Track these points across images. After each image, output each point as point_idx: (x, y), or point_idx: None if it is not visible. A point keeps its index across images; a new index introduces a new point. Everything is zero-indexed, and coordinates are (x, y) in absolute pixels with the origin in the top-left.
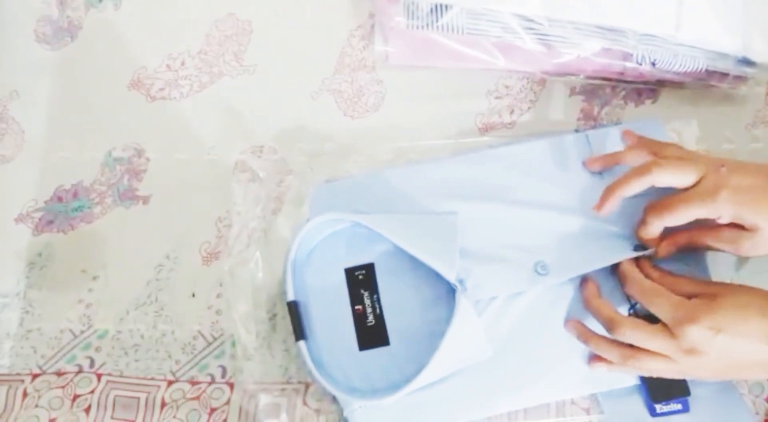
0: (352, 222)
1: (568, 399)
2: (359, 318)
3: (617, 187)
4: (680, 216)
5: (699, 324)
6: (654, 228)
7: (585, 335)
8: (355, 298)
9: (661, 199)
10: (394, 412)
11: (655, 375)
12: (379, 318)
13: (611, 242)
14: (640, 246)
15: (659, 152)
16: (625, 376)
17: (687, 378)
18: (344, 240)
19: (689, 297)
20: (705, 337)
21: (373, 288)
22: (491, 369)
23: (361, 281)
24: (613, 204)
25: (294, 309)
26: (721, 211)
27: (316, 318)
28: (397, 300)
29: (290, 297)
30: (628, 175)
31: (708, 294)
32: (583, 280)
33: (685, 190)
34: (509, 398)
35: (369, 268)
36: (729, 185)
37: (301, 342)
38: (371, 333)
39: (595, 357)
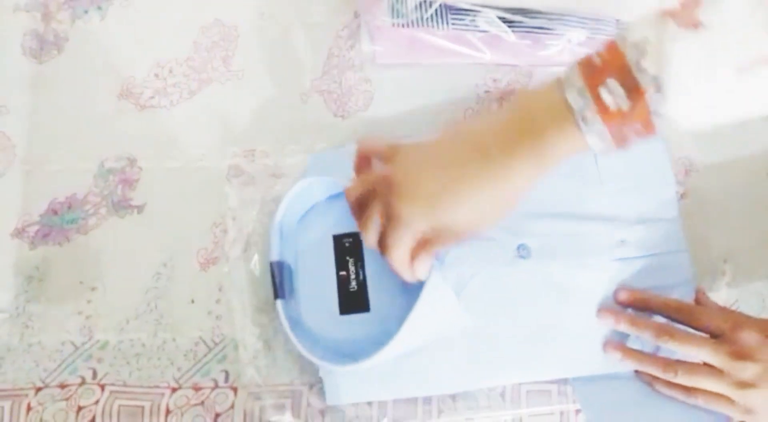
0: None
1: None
2: (342, 283)
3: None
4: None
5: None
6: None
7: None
8: (341, 264)
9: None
10: (373, 378)
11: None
12: (362, 285)
13: (597, 239)
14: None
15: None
16: (603, 363)
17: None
18: (335, 208)
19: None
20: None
21: (359, 256)
22: (471, 344)
23: (348, 248)
24: None
25: (275, 270)
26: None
27: (301, 280)
28: (380, 270)
29: (274, 257)
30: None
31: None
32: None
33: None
34: (490, 374)
35: (356, 237)
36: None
37: (278, 301)
38: (353, 299)
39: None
